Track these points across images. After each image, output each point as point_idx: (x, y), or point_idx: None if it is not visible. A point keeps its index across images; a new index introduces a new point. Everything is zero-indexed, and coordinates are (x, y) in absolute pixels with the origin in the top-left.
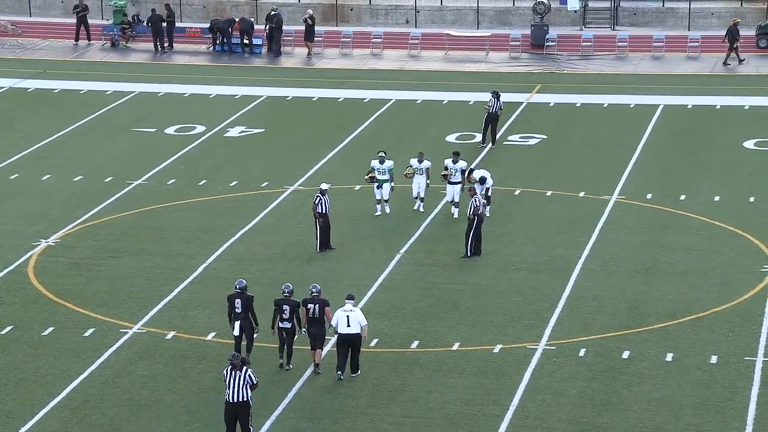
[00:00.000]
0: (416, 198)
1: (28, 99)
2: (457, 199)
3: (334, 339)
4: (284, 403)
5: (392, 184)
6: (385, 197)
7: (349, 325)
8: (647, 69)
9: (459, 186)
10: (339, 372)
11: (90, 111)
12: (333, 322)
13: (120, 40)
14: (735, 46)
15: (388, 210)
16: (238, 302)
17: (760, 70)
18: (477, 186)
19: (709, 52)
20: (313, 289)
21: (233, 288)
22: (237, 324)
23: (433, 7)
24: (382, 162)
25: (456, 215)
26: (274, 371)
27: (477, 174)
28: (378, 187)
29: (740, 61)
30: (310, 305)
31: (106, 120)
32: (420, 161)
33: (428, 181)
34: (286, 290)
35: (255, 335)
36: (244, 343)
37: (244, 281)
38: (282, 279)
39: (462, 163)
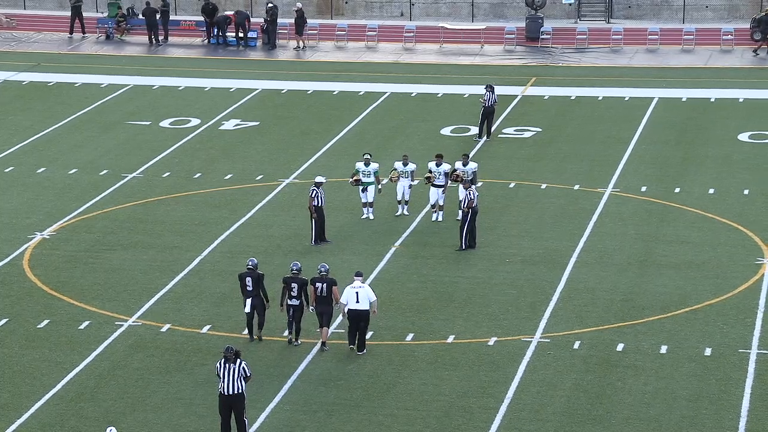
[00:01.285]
0: (400, 202)
1: (22, 92)
2: (441, 203)
3: (340, 319)
4: (279, 395)
5: (379, 186)
6: (370, 200)
7: (358, 301)
8: (642, 62)
9: (442, 189)
10: (351, 345)
11: (85, 104)
12: (342, 300)
13: (115, 32)
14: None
15: (372, 216)
16: (249, 280)
17: (754, 62)
18: (462, 167)
19: (704, 45)
20: (322, 269)
21: (225, 280)
22: (248, 301)
23: (428, 0)
24: (367, 164)
25: (440, 218)
26: (268, 363)
27: (471, 165)
28: (363, 190)
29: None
30: (318, 284)
31: (100, 113)
32: (405, 164)
33: (413, 184)
34: (294, 268)
35: (266, 311)
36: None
37: (255, 259)
38: (277, 272)
39: (445, 166)
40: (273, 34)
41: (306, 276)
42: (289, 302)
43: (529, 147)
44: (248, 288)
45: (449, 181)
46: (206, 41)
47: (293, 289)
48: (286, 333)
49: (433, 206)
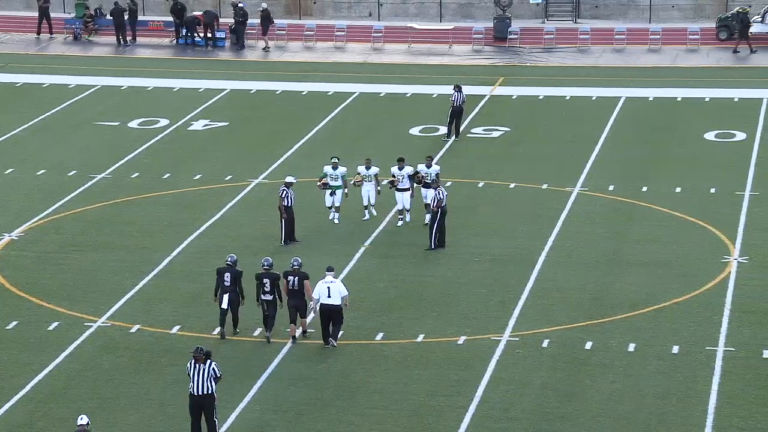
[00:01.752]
0: (366, 207)
1: None
2: (407, 206)
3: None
4: (249, 395)
5: (346, 190)
6: (337, 204)
7: (330, 296)
8: (609, 61)
9: (408, 193)
10: (326, 344)
11: (53, 105)
12: (315, 295)
13: (82, 33)
14: (748, 34)
15: (337, 221)
16: (227, 276)
17: (720, 62)
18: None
19: (670, 45)
20: (294, 263)
21: (195, 281)
22: (225, 297)
23: (396, 0)
24: (335, 168)
25: (407, 218)
26: (239, 364)
27: (435, 168)
28: (331, 194)
29: (752, 50)
30: (290, 278)
31: (69, 114)
32: (368, 168)
33: (379, 188)
34: (266, 263)
35: (240, 307)
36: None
37: (235, 256)
38: (247, 272)
39: (408, 169)
40: (242, 34)
41: (280, 272)
42: (263, 297)
43: (498, 146)
44: (226, 283)
45: (414, 183)
46: (174, 41)
47: (266, 285)
48: (258, 332)
49: (399, 211)
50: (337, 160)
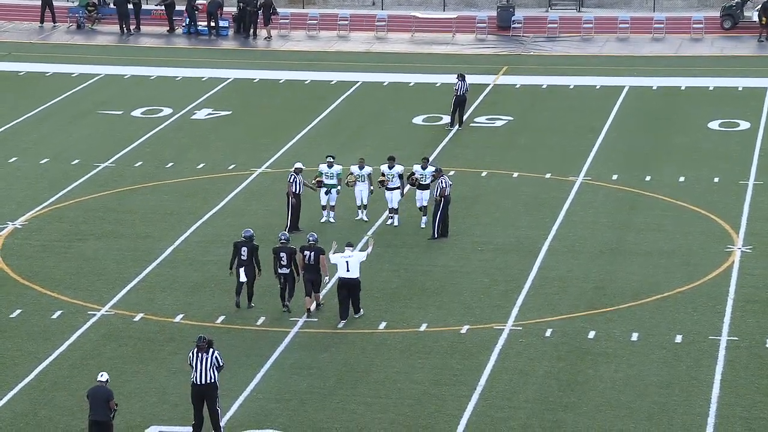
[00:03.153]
0: (360, 207)
1: None
2: (395, 206)
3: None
4: (252, 384)
5: (339, 187)
6: (332, 203)
7: (348, 270)
8: (613, 50)
9: (398, 191)
10: (343, 319)
11: (56, 93)
12: (333, 267)
13: (85, 22)
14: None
15: (333, 219)
16: (244, 250)
17: (724, 51)
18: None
19: (674, 34)
20: (311, 238)
21: (198, 270)
22: (242, 270)
23: None
24: (330, 166)
25: (396, 223)
26: (241, 353)
27: (430, 169)
28: (326, 192)
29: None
30: (306, 252)
31: (72, 102)
32: (361, 168)
33: (372, 188)
34: (283, 237)
35: (256, 281)
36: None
37: (251, 230)
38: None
39: (398, 168)
40: (249, 23)
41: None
42: (280, 271)
43: (501, 136)
44: (242, 257)
45: (407, 184)
46: (168, 30)
47: (282, 258)
48: (260, 321)
49: (390, 210)
50: (332, 159)
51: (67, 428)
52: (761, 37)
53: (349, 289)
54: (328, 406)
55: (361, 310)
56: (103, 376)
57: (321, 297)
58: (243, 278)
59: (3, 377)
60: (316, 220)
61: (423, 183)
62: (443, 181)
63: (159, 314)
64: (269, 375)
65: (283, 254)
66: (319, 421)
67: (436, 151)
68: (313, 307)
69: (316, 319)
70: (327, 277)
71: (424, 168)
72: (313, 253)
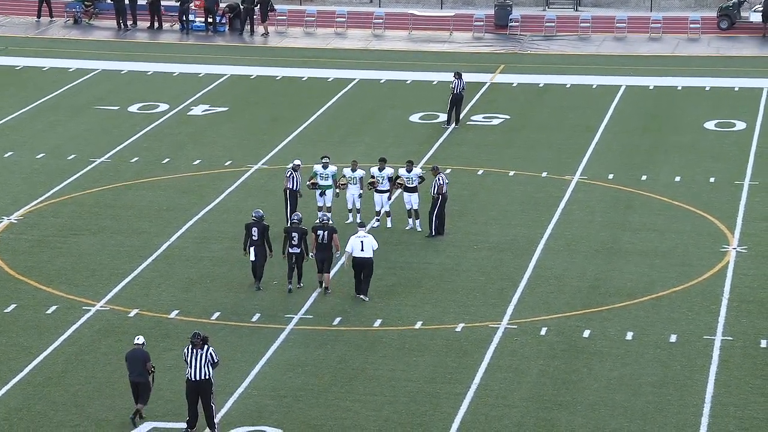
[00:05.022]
0: (351, 210)
1: None
2: (387, 208)
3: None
4: (247, 381)
5: (337, 190)
6: (328, 204)
7: (362, 250)
8: (610, 50)
9: (387, 194)
10: (360, 295)
11: (52, 88)
12: (348, 248)
13: (83, 17)
14: None
15: (330, 221)
16: (255, 230)
17: (721, 51)
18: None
19: (671, 33)
20: (323, 218)
21: (194, 266)
22: (252, 250)
23: None
24: (325, 167)
25: (389, 225)
26: (236, 349)
27: (416, 171)
28: (321, 194)
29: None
30: (319, 232)
31: (68, 97)
32: (353, 170)
33: (362, 191)
34: (295, 218)
35: (266, 262)
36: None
37: (261, 211)
38: (245, 257)
39: (388, 170)
40: (250, 19)
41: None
42: (291, 250)
43: (498, 134)
44: (254, 237)
45: (395, 188)
46: (157, 26)
47: (294, 238)
48: (256, 318)
49: (377, 212)
50: (327, 160)
51: (62, 423)
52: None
53: (362, 269)
54: (322, 403)
55: (368, 298)
56: (140, 339)
57: (330, 277)
58: (253, 257)
59: None
60: (313, 220)
61: (409, 186)
62: (440, 178)
63: (154, 310)
64: (264, 372)
65: (294, 234)
66: (314, 419)
67: (432, 149)
68: (324, 287)
69: (311, 316)
70: (339, 253)
71: (409, 171)
72: (326, 232)
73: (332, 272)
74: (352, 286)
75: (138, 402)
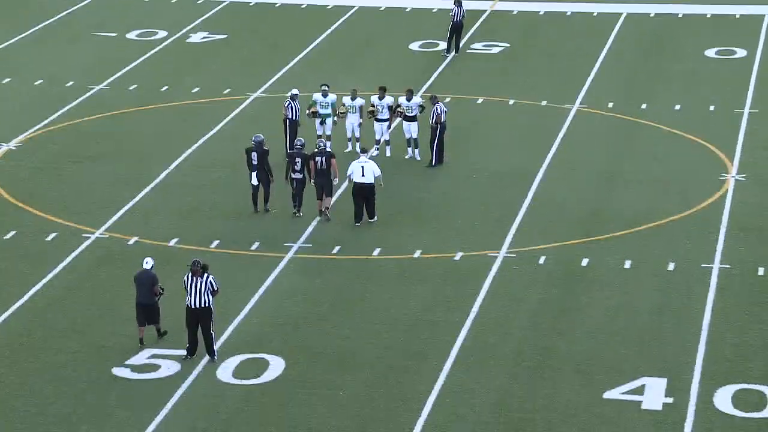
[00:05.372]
0: (350, 139)
1: None
2: (386, 137)
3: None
4: (246, 309)
5: (335, 118)
6: (328, 132)
7: (363, 175)
8: None
9: (386, 123)
10: (357, 222)
11: (50, 15)
12: (348, 172)
13: None
14: None
15: (329, 149)
16: (254, 155)
17: None
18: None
19: None
20: (320, 144)
21: (193, 194)
22: (254, 174)
23: None
24: (325, 95)
25: (388, 153)
26: (236, 277)
27: (416, 100)
28: (321, 123)
29: None
30: (317, 158)
31: (66, 24)
32: (353, 98)
33: (361, 120)
34: (299, 143)
35: (271, 185)
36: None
37: (261, 136)
38: (245, 186)
39: (388, 99)
40: None
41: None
42: (293, 176)
43: (498, 62)
44: (254, 162)
45: (396, 117)
46: None
47: (297, 164)
48: (255, 246)
49: (377, 141)
50: (326, 88)
51: (61, 349)
52: None
53: (364, 194)
54: (321, 331)
55: (376, 216)
56: (148, 263)
57: (332, 202)
58: (255, 181)
59: None
60: (312, 149)
61: (409, 115)
62: (438, 107)
63: (153, 238)
64: (263, 299)
65: (297, 159)
66: (313, 346)
67: (432, 78)
68: (324, 207)
69: (310, 245)
70: (337, 179)
71: (408, 99)
72: (324, 158)
73: (333, 199)
74: (351, 215)
75: (147, 324)
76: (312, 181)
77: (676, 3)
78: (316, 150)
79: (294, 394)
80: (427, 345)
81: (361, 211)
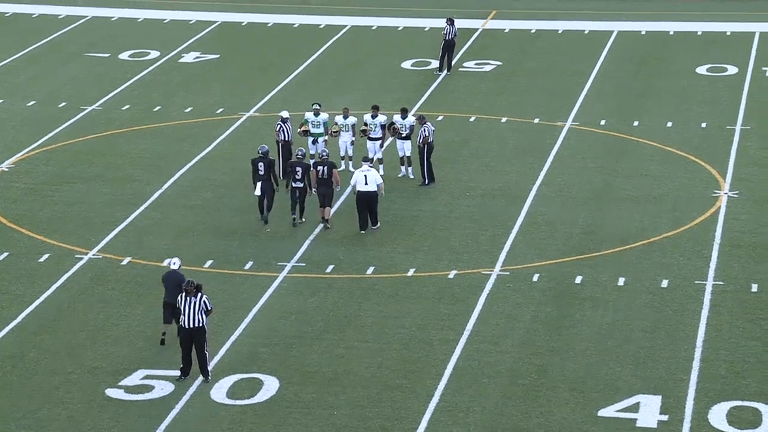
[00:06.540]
0: (343, 158)
1: None
2: (379, 155)
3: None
4: (240, 328)
5: (326, 138)
6: (320, 152)
7: (366, 184)
8: None
9: (379, 142)
10: (362, 231)
11: (42, 35)
12: (352, 182)
13: None
14: None
15: (329, 157)
16: (261, 165)
17: None
18: (425, 127)
19: None
20: (323, 153)
21: (186, 214)
22: (259, 185)
23: None
24: (316, 114)
25: (381, 171)
26: (229, 297)
27: (410, 119)
28: (313, 142)
29: None
30: (319, 167)
31: (59, 45)
32: (345, 117)
33: (354, 138)
34: (299, 153)
35: (275, 195)
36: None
37: (267, 146)
38: (240, 205)
39: (381, 118)
40: None
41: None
42: (294, 185)
43: (490, 81)
44: (260, 172)
45: (389, 135)
46: None
47: (297, 173)
48: (248, 266)
49: (371, 160)
50: (318, 107)
51: (54, 371)
52: None
53: (368, 202)
54: (315, 350)
55: (379, 222)
56: (175, 264)
57: (331, 213)
58: (258, 192)
59: None
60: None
61: (402, 133)
62: (426, 128)
63: (147, 258)
64: (257, 319)
65: (298, 168)
66: (307, 366)
67: (424, 96)
68: (327, 215)
69: (303, 264)
70: (338, 187)
71: (403, 118)
72: (325, 167)
73: (333, 208)
74: (348, 232)
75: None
76: (314, 190)
77: (667, 20)
78: (317, 159)
79: (288, 414)
80: (421, 364)
81: (366, 220)
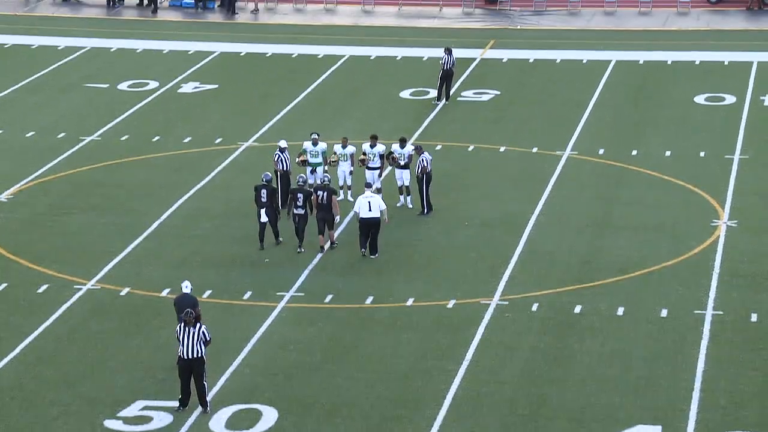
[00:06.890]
0: (342, 187)
1: None
2: (378, 185)
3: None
4: (239, 359)
5: (325, 167)
6: (318, 181)
7: (370, 210)
8: (600, 24)
9: (378, 171)
10: (363, 249)
11: (42, 66)
12: (355, 208)
13: None
14: None
15: (329, 183)
16: (263, 192)
17: (710, 24)
18: (423, 155)
19: (661, 8)
20: (325, 179)
21: (185, 244)
22: (263, 211)
23: None
24: (315, 144)
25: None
26: (228, 327)
27: (408, 148)
28: (312, 172)
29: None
30: (319, 192)
31: (58, 75)
32: (344, 147)
33: (353, 168)
34: (300, 180)
35: (278, 222)
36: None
37: (270, 174)
38: (238, 234)
39: (380, 147)
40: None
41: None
42: (295, 211)
43: (488, 110)
44: (263, 199)
45: (387, 164)
46: (146, 3)
47: (299, 199)
48: (247, 296)
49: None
50: (317, 137)
51: (53, 402)
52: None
53: (370, 228)
54: (314, 380)
55: (378, 252)
56: (187, 287)
57: (335, 236)
58: (264, 219)
59: None
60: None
61: (401, 162)
62: (424, 158)
63: (145, 288)
64: (256, 350)
65: (299, 195)
66: (306, 396)
67: (423, 126)
68: (326, 245)
69: (302, 294)
70: (338, 217)
71: (402, 147)
72: (325, 193)
73: (336, 232)
74: (346, 262)
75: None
76: (314, 215)
77: (665, 50)
78: (317, 184)
79: None
80: (420, 394)
81: (366, 241)
